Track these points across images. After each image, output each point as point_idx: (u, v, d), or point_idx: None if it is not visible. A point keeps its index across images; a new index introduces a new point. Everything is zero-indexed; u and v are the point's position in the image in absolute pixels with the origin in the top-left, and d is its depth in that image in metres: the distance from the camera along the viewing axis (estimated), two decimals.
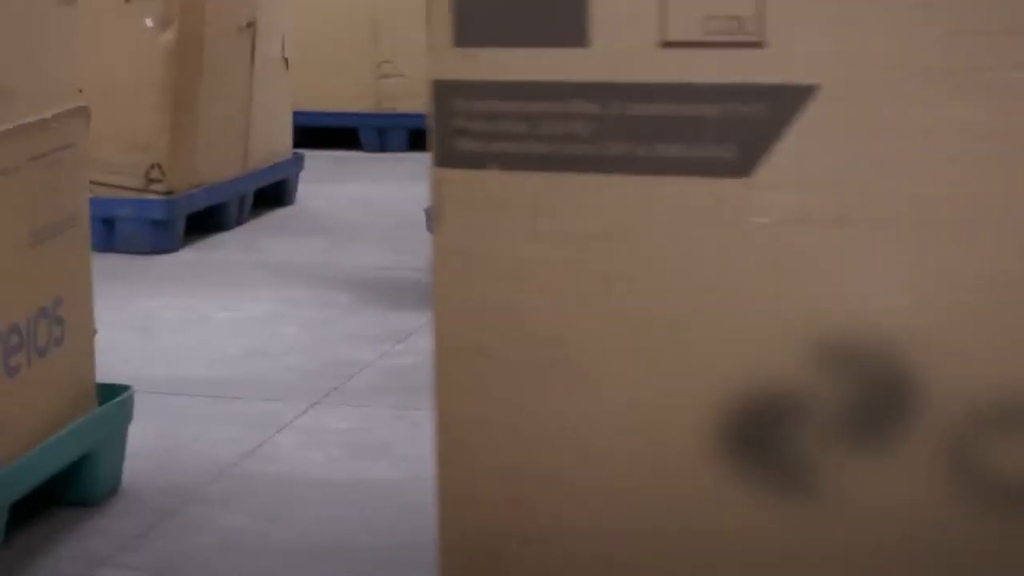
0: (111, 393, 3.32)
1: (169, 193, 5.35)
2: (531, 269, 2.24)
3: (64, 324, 3.18)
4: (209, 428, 3.61)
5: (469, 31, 2.21)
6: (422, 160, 6.11)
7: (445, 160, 2.25)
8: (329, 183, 6.67)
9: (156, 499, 3.18)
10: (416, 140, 7.27)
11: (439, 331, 2.30)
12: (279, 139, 6.25)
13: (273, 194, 6.20)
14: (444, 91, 2.24)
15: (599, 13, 2.14)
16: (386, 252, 5.45)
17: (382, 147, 7.42)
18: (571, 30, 2.15)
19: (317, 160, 6.64)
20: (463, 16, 2.21)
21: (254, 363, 4.13)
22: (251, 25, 5.74)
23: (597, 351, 2.19)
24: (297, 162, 6.37)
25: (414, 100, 7.25)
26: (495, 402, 2.27)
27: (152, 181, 5.32)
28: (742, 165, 2.11)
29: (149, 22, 5.21)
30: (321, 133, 7.03)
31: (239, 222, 5.91)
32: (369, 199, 6.38)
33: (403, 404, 3.71)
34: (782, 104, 2.08)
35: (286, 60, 6.12)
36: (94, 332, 3.36)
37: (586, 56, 2.15)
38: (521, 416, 2.25)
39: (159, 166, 5.30)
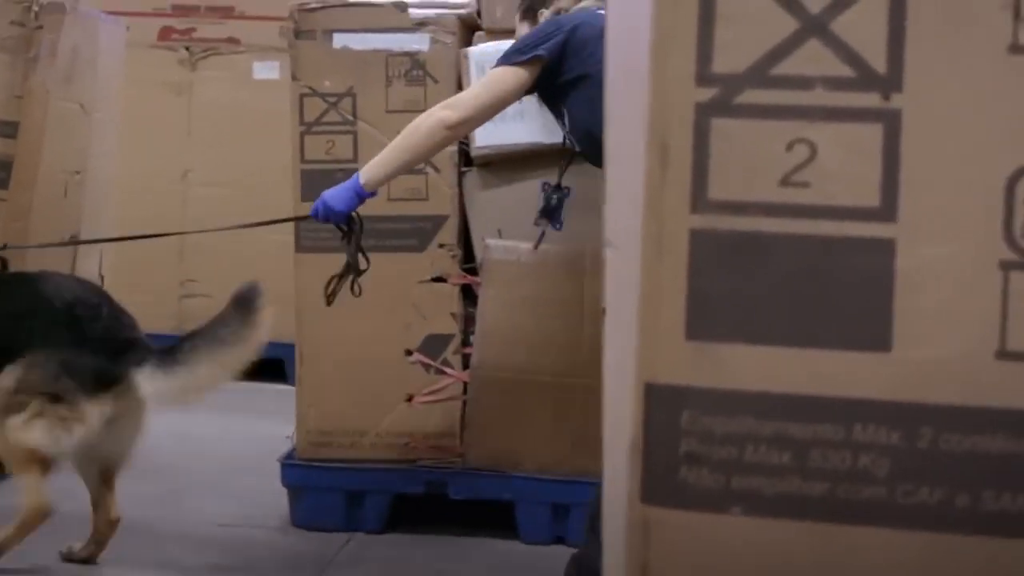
0: None
1: None
2: None
3: None
4: None
5: (710, 319, 1.51)
6: (228, 388, 5.26)
7: (664, 496, 1.52)
8: None
9: None
10: None
11: None
12: None
13: None
14: (667, 400, 1.52)
15: (908, 305, 1.47)
16: (226, 503, 4.58)
17: None
18: (865, 327, 1.48)
19: None
20: (701, 297, 1.51)
21: None
22: (74, 238, 4.87)
23: None
24: None
25: None
26: None
27: None
28: None
29: None
30: None
31: None
32: (185, 435, 5.45)
33: None
34: None
35: (102, 277, 5.24)
36: None
37: (886, 364, 1.48)
38: None
39: None
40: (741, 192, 1.48)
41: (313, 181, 4.30)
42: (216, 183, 6.26)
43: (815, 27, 1.46)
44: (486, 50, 4.19)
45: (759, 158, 1.48)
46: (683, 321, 1.49)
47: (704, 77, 1.49)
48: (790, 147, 1.47)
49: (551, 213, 4.05)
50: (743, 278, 1.47)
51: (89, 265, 5.12)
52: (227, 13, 6.29)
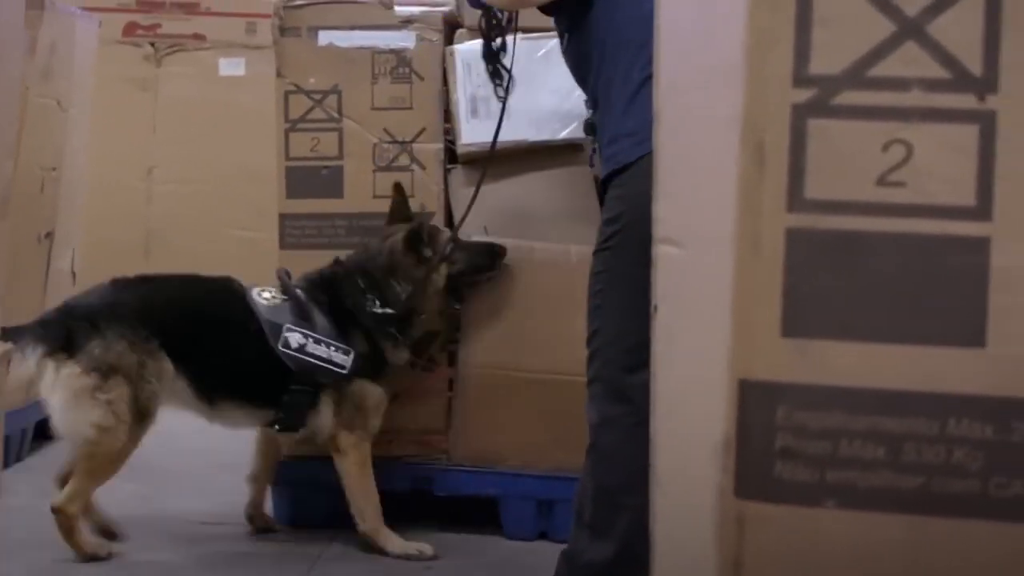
0: None
1: None
2: None
3: None
4: None
5: (806, 317, 1.53)
6: None
7: (759, 491, 1.54)
8: None
9: None
10: None
11: None
12: None
13: (45, 424, 5.15)
14: (762, 396, 1.54)
15: (1002, 302, 1.50)
16: (204, 501, 4.54)
17: None
18: (960, 323, 1.51)
19: None
20: (797, 295, 1.53)
21: None
22: (50, 236, 4.81)
23: None
24: None
25: None
26: None
27: None
28: None
29: None
30: None
31: (19, 458, 4.86)
32: (159, 433, 5.39)
33: None
34: None
35: (74, 275, 5.18)
36: None
37: (980, 360, 1.51)
38: None
39: None
40: (838, 192, 1.50)
41: (298, 178, 4.29)
42: (181, 180, 6.22)
43: (912, 29, 1.48)
44: (472, 47, 4.19)
45: (856, 158, 1.50)
46: (779, 318, 1.50)
47: (801, 78, 1.51)
48: (886, 147, 1.49)
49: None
50: (839, 276, 1.49)
51: (62, 263, 5.07)
52: (192, 9, 6.25)
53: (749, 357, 1.52)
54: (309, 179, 4.24)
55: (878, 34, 1.50)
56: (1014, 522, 1.48)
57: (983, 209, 1.48)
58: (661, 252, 1.69)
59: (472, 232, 4.24)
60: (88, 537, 3.84)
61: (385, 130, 4.22)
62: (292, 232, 4.32)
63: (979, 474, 1.49)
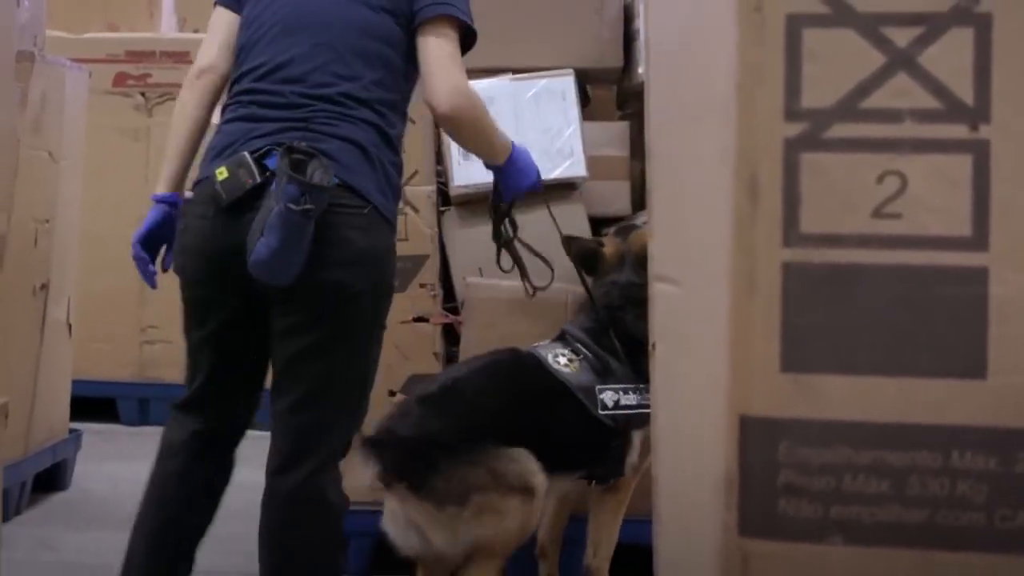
0: None
1: None
2: None
3: None
4: None
5: (804, 351, 1.52)
6: None
7: (763, 528, 1.52)
8: (102, 461, 5.61)
9: None
10: None
11: None
12: (58, 414, 5.20)
13: (48, 476, 5.12)
14: (763, 432, 1.52)
15: (1002, 332, 1.49)
16: (211, 550, 4.49)
17: (143, 420, 6.40)
18: (960, 355, 1.49)
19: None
20: (795, 329, 1.52)
21: None
22: (45, 287, 4.78)
23: None
24: (76, 440, 5.33)
25: (180, 369, 6.31)
26: None
27: None
28: None
29: None
30: (73, 403, 5.94)
31: (18, 511, 4.81)
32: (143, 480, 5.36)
33: None
34: None
35: (70, 326, 5.14)
36: None
37: (981, 391, 1.49)
38: None
39: None
40: (833, 225, 1.49)
41: None
42: None
43: (903, 61, 1.47)
44: None
45: (850, 191, 1.49)
46: (778, 353, 1.49)
47: (793, 112, 1.50)
48: (881, 179, 1.48)
49: None
50: (837, 309, 1.48)
51: (58, 314, 5.04)
52: (182, 58, 6.23)
53: (748, 393, 1.50)
54: None
55: (869, 66, 1.49)
56: (1020, 555, 1.46)
57: (979, 239, 1.47)
58: (657, 290, 1.67)
59: (467, 274, 4.22)
60: None
61: None
62: None
63: (984, 506, 1.47)
